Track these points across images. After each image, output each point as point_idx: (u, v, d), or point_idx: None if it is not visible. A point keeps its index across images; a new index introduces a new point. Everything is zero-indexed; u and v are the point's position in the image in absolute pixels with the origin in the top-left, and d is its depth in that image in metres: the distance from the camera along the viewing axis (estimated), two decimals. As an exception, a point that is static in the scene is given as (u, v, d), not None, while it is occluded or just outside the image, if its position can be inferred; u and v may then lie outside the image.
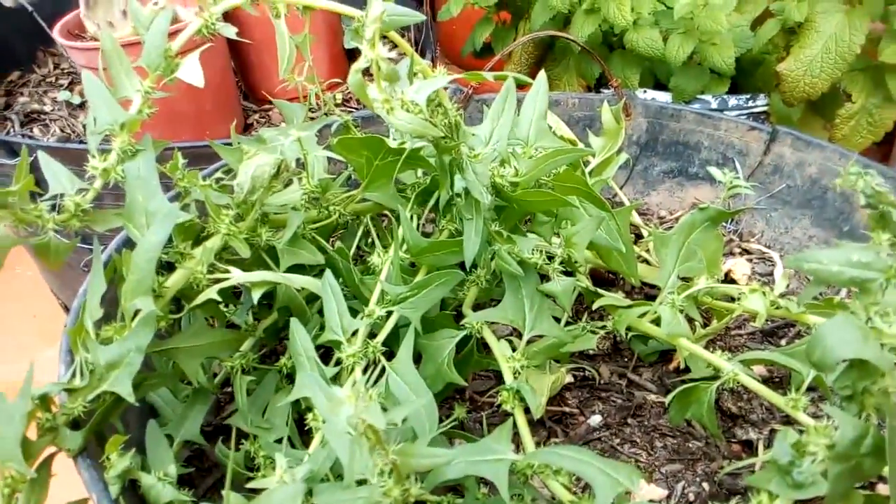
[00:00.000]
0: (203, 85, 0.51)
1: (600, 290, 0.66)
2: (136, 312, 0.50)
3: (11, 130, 1.22)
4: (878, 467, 0.30)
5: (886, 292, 0.29)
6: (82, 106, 1.31)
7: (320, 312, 0.62)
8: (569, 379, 0.68)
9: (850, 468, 0.30)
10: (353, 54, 1.35)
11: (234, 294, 0.69)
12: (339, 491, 0.39)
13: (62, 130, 1.23)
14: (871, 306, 0.30)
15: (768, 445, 0.60)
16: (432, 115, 0.41)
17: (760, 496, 0.32)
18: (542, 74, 0.57)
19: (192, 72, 0.52)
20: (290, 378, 0.62)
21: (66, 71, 1.43)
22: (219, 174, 0.63)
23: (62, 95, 1.32)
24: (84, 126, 1.23)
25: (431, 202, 0.59)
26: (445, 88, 0.51)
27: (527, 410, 0.55)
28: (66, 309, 1.40)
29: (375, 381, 0.53)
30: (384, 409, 0.35)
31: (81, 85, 1.37)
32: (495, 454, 0.42)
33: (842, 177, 0.33)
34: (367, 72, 0.43)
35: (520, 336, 0.56)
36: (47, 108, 1.29)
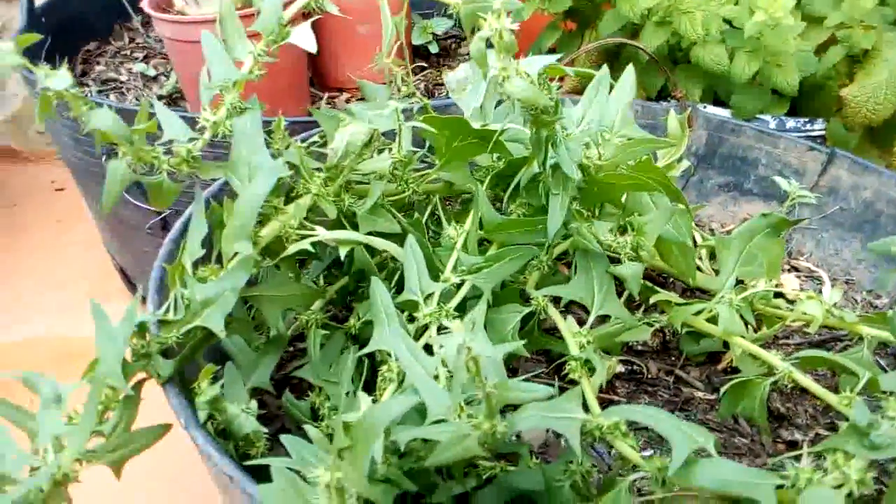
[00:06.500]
0: (315, 50, 0.54)
1: (656, 287, 0.69)
2: (234, 256, 0.54)
3: (89, 95, 1.28)
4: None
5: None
6: (156, 79, 1.36)
7: (388, 279, 0.66)
8: (619, 369, 0.71)
9: (926, 432, 0.32)
10: (418, 50, 1.39)
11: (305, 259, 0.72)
12: (425, 427, 0.41)
13: (137, 100, 1.28)
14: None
15: (812, 446, 0.62)
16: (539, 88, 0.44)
17: (836, 455, 0.35)
18: (630, 68, 0.59)
19: (304, 37, 0.55)
20: (356, 339, 0.65)
21: (140, 45, 1.49)
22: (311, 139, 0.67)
23: (138, 67, 1.38)
24: (158, 96, 1.29)
25: (514, 183, 0.62)
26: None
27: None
28: (121, 270, 1.45)
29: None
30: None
31: (156, 59, 1.44)
32: (567, 412, 0.44)
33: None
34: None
35: (581, 323, 0.59)
36: (123, 78, 1.35)
